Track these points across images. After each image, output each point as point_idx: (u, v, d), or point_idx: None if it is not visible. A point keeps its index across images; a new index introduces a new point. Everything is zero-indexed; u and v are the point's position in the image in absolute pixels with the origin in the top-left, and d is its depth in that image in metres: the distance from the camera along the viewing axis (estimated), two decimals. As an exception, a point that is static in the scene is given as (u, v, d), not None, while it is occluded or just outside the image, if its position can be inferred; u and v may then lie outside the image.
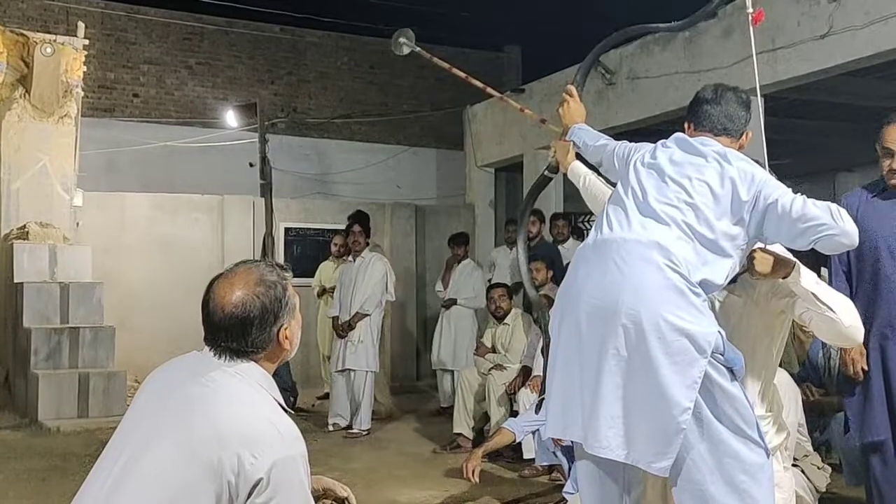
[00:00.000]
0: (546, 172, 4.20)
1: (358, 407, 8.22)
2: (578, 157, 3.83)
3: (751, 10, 3.64)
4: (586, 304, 2.92)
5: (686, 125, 3.30)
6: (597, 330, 2.87)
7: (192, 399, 2.19)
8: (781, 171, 3.68)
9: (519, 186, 12.12)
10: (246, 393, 2.22)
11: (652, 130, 10.51)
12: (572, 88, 3.89)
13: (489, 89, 4.63)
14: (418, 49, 4.78)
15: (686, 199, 2.98)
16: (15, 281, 9.14)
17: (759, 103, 3.78)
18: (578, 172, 3.85)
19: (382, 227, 12.01)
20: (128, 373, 8.72)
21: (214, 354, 2.28)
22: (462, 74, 4.62)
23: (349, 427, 8.22)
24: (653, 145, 3.25)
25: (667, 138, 3.26)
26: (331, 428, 8.21)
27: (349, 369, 8.27)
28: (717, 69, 8.62)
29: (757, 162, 3.25)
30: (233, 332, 2.25)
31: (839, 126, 10.85)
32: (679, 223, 2.93)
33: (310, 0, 14.48)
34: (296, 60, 14.57)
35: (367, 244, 8.48)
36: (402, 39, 4.83)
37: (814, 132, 11.22)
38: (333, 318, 8.55)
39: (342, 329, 8.31)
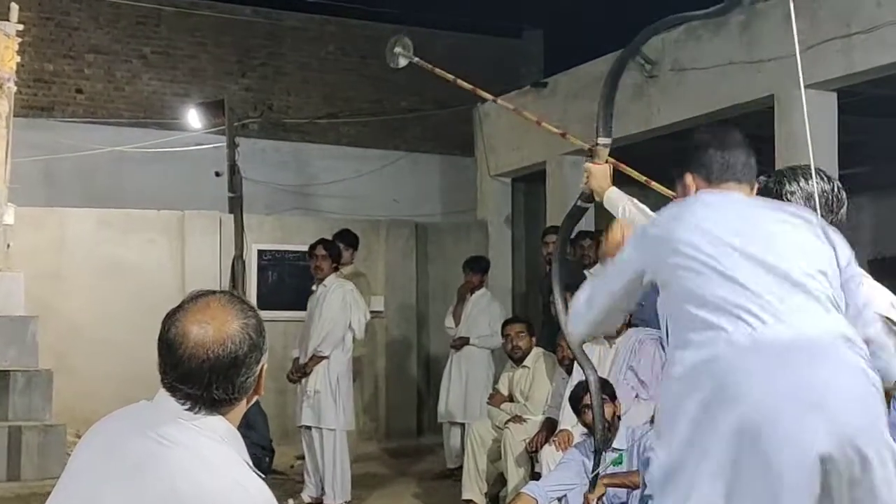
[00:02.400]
0: (579, 203, 4.38)
1: (326, 474, 8.10)
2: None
3: None
4: (785, 442, 2.63)
5: (690, 178, 3.18)
6: (805, 476, 2.63)
7: (143, 458, 2.21)
8: (857, 180, 3.68)
9: (541, 199, 12.13)
10: (208, 449, 2.24)
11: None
12: (587, 165, 4.16)
13: (500, 101, 4.73)
14: (417, 59, 4.85)
15: (815, 265, 2.91)
16: (-67, 315, 9.15)
17: (802, 98, 3.84)
18: (617, 201, 3.94)
19: (377, 248, 12.03)
20: (68, 426, 8.71)
21: (187, 406, 2.27)
22: (468, 86, 4.72)
23: (319, 501, 8.15)
24: (689, 214, 3.05)
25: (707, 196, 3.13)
26: (291, 503, 8.03)
27: (306, 426, 8.23)
28: (781, 58, 8.62)
29: (823, 172, 3.26)
30: (218, 378, 2.25)
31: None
32: (828, 297, 2.86)
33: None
34: (272, 49, 14.64)
35: (335, 270, 8.41)
36: (397, 49, 4.93)
37: (897, 134, 11.20)
38: (294, 360, 8.52)
39: (292, 373, 8.29)
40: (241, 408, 2.35)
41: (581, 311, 3.27)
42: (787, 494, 2.59)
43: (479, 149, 13.12)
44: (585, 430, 5.96)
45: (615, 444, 5.69)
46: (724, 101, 9.30)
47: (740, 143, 3.19)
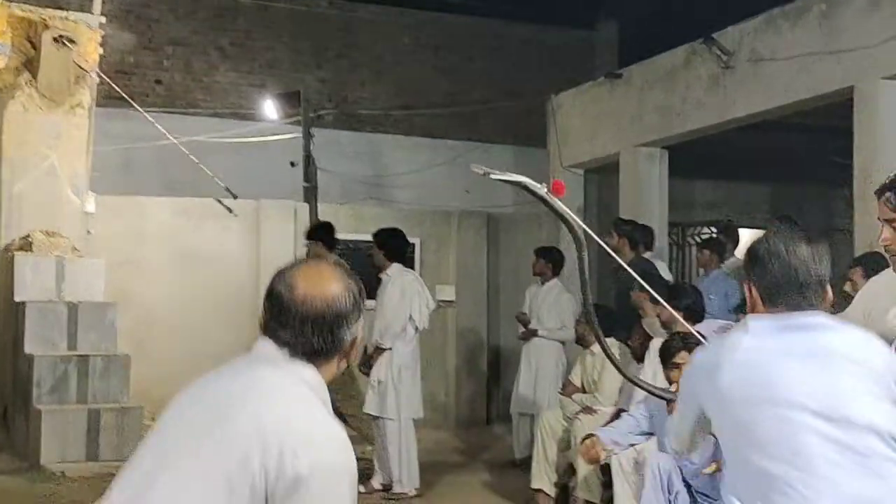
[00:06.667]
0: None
1: (392, 462, 8.13)
2: None
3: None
4: None
5: (753, 290, 2.95)
6: None
7: (233, 393, 2.40)
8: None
9: (614, 191, 12.03)
10: (294, 390, 2.41)
11: (778, 124, 10.38)
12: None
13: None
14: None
15: (872, 422, 2.82)
16: (16, 300, 9.31)
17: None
18: None
19: (448, 239, 12.04)
20: (145, 409, 8.83)
21: (285, 351, 2.45)
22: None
23: (389, 487, 8.20)
24: (727, 363, 2.88)
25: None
26: (362, 489, 7.74)
27: (371, 415, 8.25)
28: (862, 49, 8.47)
29: None
30: (321, 328, 2.44)
31: None
32: (884, 455, 2.80)
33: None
34: (347, 41, 14.70)
35: (389, 260, 8.37)
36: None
37: None
38: (364, 350, 8.50)
39: (360, 364, 8.27)
40: (334, 366, 2.51)
41: (673, 435, 3.30)
42: None
43: (551, 140, 13.03)
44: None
45: None
46: (803, 93, 9.14)
47: (804, 256, 2.87)
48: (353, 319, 2.49)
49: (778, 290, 2.86)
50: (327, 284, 2.48)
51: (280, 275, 2.51)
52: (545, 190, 4.14)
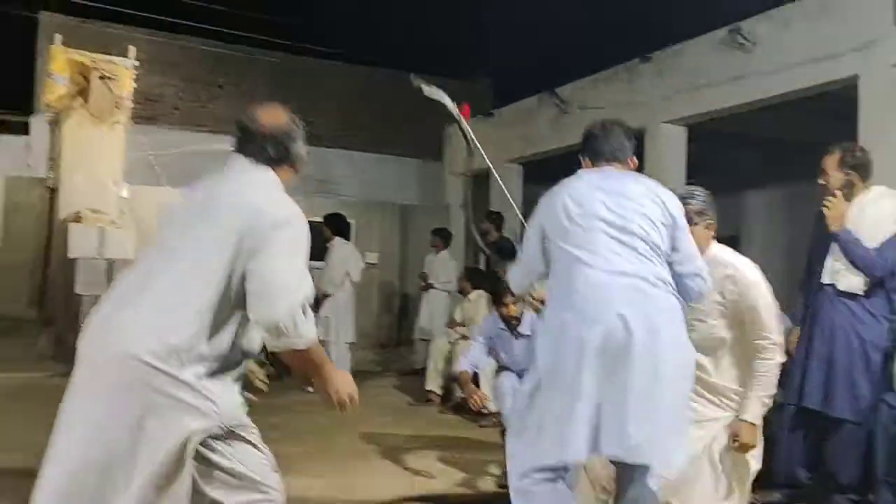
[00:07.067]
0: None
1: None
2: None
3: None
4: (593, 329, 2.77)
5: (583, 160, 3.11)
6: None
7: (216, 186, 2.39)
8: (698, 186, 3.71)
9: (486, 192, 12.10)
10: (262, 183, 2.39)
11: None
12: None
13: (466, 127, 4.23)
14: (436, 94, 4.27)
15: (647, 222, 2.93)
16: (69, 256, 9.06)
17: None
18: None
19: (375, 221, 12.03)
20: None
21: (251, 160, 2.42)
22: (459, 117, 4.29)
23: None
24: (563, 189, 2.96)
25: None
26: (309, 389, 7.81)
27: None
28: (650, 102, 8.64)
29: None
30: (276, 140, 2.43)
31: (749, 153, 10.82)
32: (649, 247, 2.92)
33: (319, 33, 14.40)
34: (305, 82, 14.44)
35: (333, 235, 8.29)
36: (417, 84, 4.31)
37: (729, 156, 11.18)
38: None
39: (311, 306, 8.15)
40: (287, 173, 2.48)
41: (518, 273, 3.17)
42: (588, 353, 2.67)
43: (445, 156, 13.07)
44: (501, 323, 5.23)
45: (522, 331, 5.10)
46: (612, 130, 9.27)
47: (617, 133, 3.07)
48: (298, 137, 2.48)
49: (600, 153, 3.04)
50: (279, 114, 2.48)
51: (244, 113, 2.51)
52: (457, 110, 4.17)
